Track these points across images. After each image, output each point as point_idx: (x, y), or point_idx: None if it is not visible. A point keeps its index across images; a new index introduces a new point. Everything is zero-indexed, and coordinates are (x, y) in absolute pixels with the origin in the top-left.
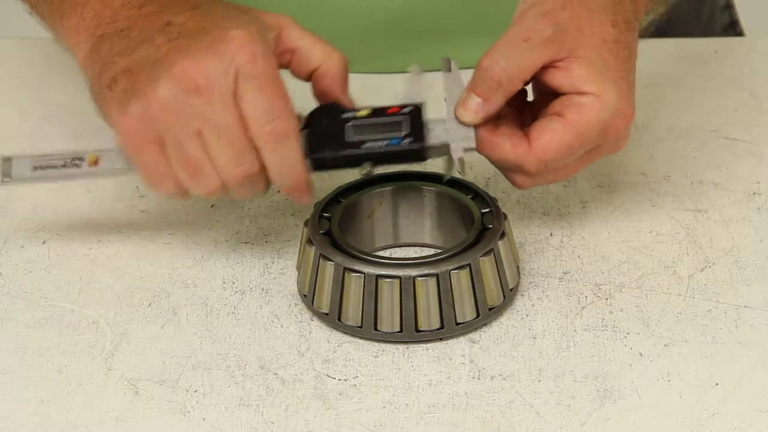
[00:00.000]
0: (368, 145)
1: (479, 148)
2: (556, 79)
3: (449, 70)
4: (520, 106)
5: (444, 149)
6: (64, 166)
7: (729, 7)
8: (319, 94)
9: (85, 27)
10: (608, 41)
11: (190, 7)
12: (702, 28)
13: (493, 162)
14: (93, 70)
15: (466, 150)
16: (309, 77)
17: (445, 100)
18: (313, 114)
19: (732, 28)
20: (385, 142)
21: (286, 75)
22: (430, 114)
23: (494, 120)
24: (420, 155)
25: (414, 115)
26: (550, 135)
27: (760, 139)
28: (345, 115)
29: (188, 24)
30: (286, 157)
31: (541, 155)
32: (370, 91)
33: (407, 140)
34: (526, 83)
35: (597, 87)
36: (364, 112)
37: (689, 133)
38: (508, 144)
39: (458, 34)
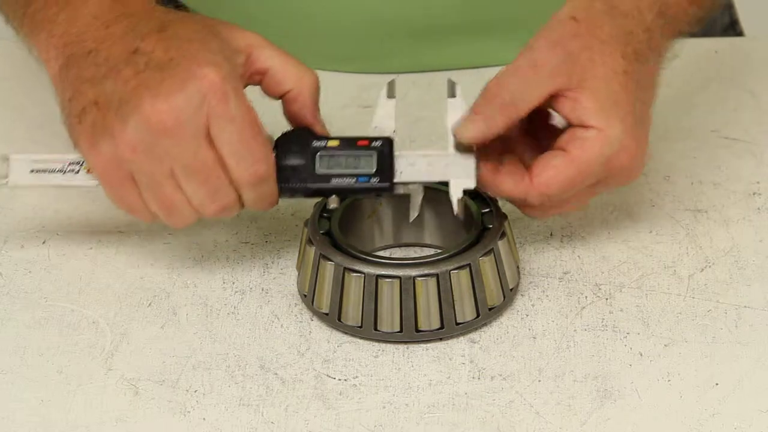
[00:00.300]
0: (336, 181)
1: (481, 186)
2: (563, 109)
3: (453, 95)
4: (521, 136)
5: (413, 186)
6: (61, 171)
7: (729, 7)
8: (290, 116)
9: (55, 44)
10: (618, 72)
11: (157, 29)
12: (702, 28)
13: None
14: (62, 95)
15: (465, 190)
16: (280, 97)
17: (451, 131)
18: (284, 138)
19: (732, 28)
20: (353, 179)
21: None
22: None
23: (497, 159)
24: (388, 191)
25: (383, 151)
26: (553, 171)
27: (760, 139)
28: (315, 144)
29: (156, 52)
30: (263, 194)
31: (544, 190)
32: (370, 91)
33: (375, 179)
34: (531, 110)
35: (602, 121)
36: (334, 143)
37: (689, 133)
38: (510, 182)
39: (458, 34)
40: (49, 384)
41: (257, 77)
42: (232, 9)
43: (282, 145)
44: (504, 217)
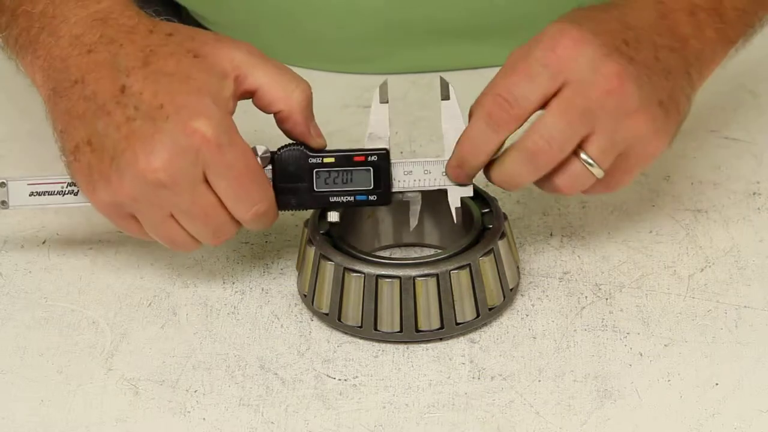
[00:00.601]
0: (335, 199)
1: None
2: None
3: (447, 97)
4: None
5: (411, 194)
6: (60, 193)
7: None
8: (283, 132)
9: (40, 66)
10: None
11: (141, 62)
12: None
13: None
14: (54, 124)
15: (463, 197)
16: (271, 113)
17: (443, 132)
18: (280, 153)
19: None
20: (352, 197)
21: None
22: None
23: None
24: (387, 203)
25: (380, 166)
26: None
27: (760, 139)
28: (312, 161)
29: (144, 95)
30: (264, 224)
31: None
32: (371, 91)
33: (373, 197)
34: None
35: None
36: (330, 159)
37: (689, 133)
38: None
39: (458, 35)
40: (49, 384)
41: (247, 95)
42: (234, 9)
43: (279, 164)
44: (504, 217)
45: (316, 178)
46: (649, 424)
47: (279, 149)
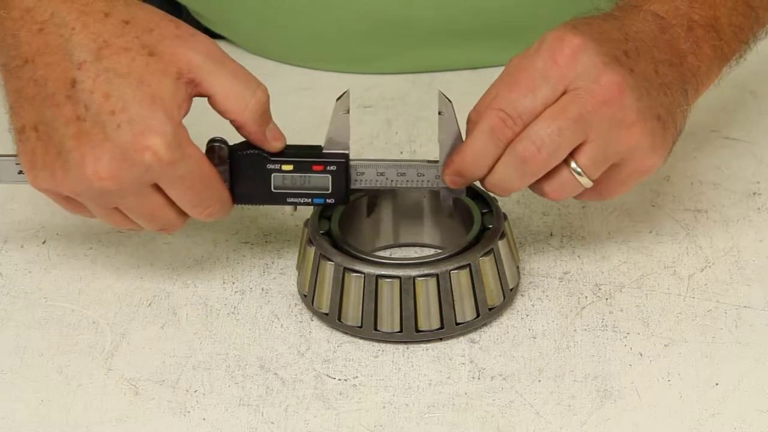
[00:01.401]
0: (292, 200)
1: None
2: None
3: (444, 112)
4: None
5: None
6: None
7: None
8: (240, 134)
9: None
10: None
11: (93, 55)
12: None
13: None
14: (5, 98)
15: (456, 195)
16: None
17: (439, 141)
18: (238, 152)
19: None
20: (310, 199)
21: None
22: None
23: None
24: (344, 204)
25: (339, 171)
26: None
27: (760, 139)
28: (269, 166)
29: (96, 94)
30: (217, 218)
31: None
32: (371, 91)
33: (330, 200)
34: None
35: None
36: (288, 167)
37: (689, 133)
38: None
39: (458, 35)
40: (49, 384)
41: (203, 95)
42: (234, 9)
43: (237, 162)
44: (504, 217)
45: (273, 180)
46: (649, 424)
47: (238, 149)
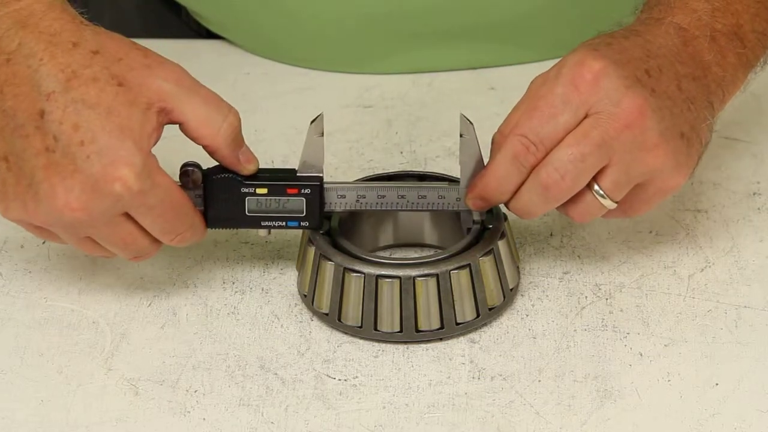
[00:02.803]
0: (267, 223)
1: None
2: None
3: (465, 134)
4: None
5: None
6: None
7: None
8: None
9: None
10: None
11: (61, 86)
12: None
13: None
14: None
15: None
16: None
17: (460, 164)
18: (212, 176)
19: None
20: (284, 222)
21: None
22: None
23: None
24: (318, 228)
25: (312, 196)
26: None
27: (760, 139)
28: (244, 190)
29: (65, 125)
30: (191, 243)
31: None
32: (371, 91)
33: (305, 223)
34: None
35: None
36: (262, 191)
37: None
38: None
39: (458, 35)
40: (49, 384)
41: (174, 123)
42: (234, 9)
43: (211, 186)
44: (504, 217)
45: (248, 203)
46: (649, 424)
47: (211, 173)
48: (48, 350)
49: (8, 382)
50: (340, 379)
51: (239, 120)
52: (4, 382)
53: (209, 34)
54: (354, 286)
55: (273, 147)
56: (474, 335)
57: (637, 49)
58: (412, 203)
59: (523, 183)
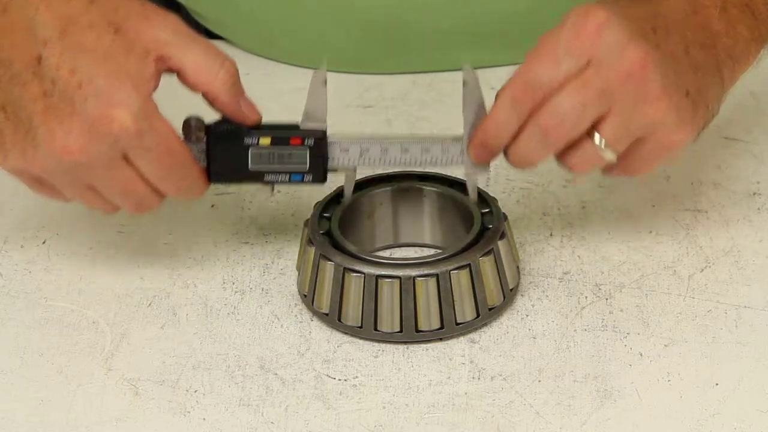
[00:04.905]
0: (270, 177)
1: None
2: None
3: (469, 81)
4: None
5: (347, 171)
6: None
7: None
8: (213, 108)
9: None
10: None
11: (58, 32)
12: None
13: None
14: None
15: (480, 176)
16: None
17: (463, 115)
18: (214, 129)
19: None
20: (287, 176)
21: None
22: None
23: None
24: (322, 182)
25: (316, 147)
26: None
27: (760, 139)
28: (247, 141)
29: (62, 70)
30: (190, 194)
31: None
32: (371, 91)
33: (308, 176)
34: None
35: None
36: (265, 141)
37: None
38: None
39: (457, 35)
40: (49, 384)
41: (171, 72)
42: (234, 9)
43: (213, 139)
44: (504, 217)
45: (251, 157)
46: (649, 424)
47: (214, 124)
48: (48, 350)
49: (8, 382)
50: (340, 379)
51: (236, 68)
52: (4, 382)
53: (209, 34)
54: (354, 286)
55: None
56: (474, 335)
57: (644, 10)
58: (416, 159)
59: (522, 131)
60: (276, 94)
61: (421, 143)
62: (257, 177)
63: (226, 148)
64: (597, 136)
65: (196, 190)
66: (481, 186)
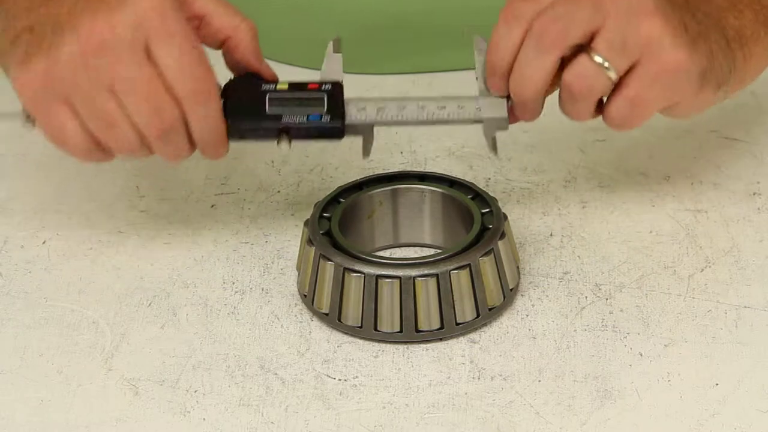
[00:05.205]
0: (287, 119)
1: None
2: None
3: (482, 51)
4: None
5: (362, 128)
6: None
7: None
8: (232, 65)
9: None
10: None
11: None
12: None
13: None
14: None
15: (499, 129)
16: (219, 46)
17: (477, 79)
18: (231, 84)
19: None
20: (305, 117)
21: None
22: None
23: None
24: (339, 133)
25: (333, 93)
26: None
27: (760, 139)
28: (264, 87)
29: None
30: (207, 116)
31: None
32: (371, 92)
33: (326, 117)
34: None
35: None
36: (283, 86)
37: (689, 133)
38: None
39: (457, 35)
40: (49, 384)
41: (195, 22)
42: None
43: (230, 90)
44: (504, 217)
45: (269, 102)
46: (649, 424)
47: (231, 79)
48: (48, 350)
49: (8, 382)
50: (340, 379)
51: (257, 29)
52: (4, 382)
53: None
54: (354, 287)
55: (273, 147)
56: (474, 335)
57: None
58: (432, 114)
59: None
60: None
61: (437, 101)
62: (275, 122)
63: (244, 94)
64: (594, 53)
65: (213, 117)
66: (499, 139)
